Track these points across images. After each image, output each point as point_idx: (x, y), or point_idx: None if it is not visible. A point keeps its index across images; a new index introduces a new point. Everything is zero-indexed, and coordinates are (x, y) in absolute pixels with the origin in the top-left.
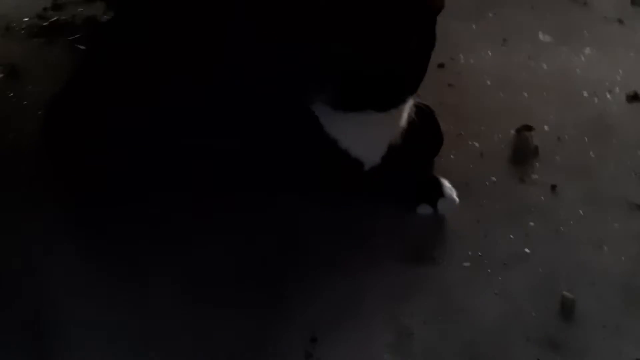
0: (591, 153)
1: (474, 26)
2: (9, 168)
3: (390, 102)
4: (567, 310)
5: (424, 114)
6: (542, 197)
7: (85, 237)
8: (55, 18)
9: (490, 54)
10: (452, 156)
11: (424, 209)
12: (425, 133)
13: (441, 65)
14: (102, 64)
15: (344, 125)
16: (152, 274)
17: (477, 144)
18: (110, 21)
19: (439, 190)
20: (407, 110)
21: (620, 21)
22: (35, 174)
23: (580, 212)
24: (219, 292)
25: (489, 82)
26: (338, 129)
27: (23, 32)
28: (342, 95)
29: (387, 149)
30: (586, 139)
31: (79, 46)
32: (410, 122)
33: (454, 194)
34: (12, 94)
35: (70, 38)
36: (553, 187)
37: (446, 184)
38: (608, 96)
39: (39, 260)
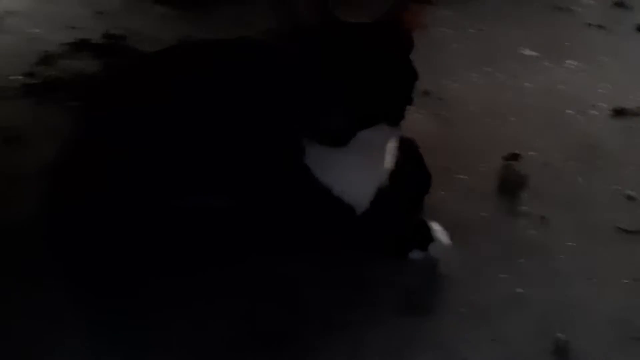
0: (579, 178)
1: (455, 45)
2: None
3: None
4: (561, 352)
5: (410, 151)
6: (533, 231)
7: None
8: (46, 74)
9: (474, 76)
10: (442, 192)
11: (416, 255)
12: (412, 174)
13: (426, 93)
14: (99, 128)
15: (335, 168)
16: (153, 344)
17: (465, 177)
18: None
19: (429, 235)
20: (392, 148)
21: (603, 27)
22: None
23: (570, 243)
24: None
25: (473, 109)
26: (330, 174)
27: (15, 92)
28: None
29: (376, 192)
30: (573, 163)
31: (72, 103)
32: (397, 164)
33: (445, 237)
34: (11, 160)
35: (63, 96)
36: (542, 218)
37: (436, 227)
38: (593, 112)
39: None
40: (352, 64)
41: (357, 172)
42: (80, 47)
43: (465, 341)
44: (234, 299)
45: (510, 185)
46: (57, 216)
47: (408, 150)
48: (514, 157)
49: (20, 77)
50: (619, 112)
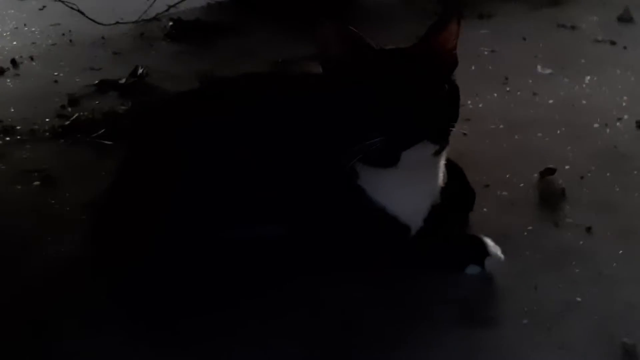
0: (616, 187)
1: (473, 67)
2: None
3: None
4: (629, 355)
5: (454, 171)
6: (580, 241)
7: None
8: (75, 115)
9: (495, 95)
10: (485, 209)
11: (473, 270)
12: (459, 190)
13: None
14: (138, 165)
15: (390, 188)
16: None
17: (505, 193)
18: (133, 117)
19: (484, 249)
20: (442, 166)
21: (612, 42)
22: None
23: (620, 251)
24: None
25: (501, 126)
26: (385, 194)
27: (47, 134)
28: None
29: (430, 209)
30: (608, 174)
31: (104, 142)
32: (446, 181)
33: (498, 251)
34: (52, 201)
35: (94, 135)
36: (588, 229)
37: (490, 242)
38: (618, 124)
39: None
40: (402, 85)
41: (410, 191)
42: (104, 87)
43: (531, 350)
44: (291, 321)
45: (551, 198)
46: (109, 255)
47: (451, 168)
48: (551, 171)
49: (48, 120)
50: None
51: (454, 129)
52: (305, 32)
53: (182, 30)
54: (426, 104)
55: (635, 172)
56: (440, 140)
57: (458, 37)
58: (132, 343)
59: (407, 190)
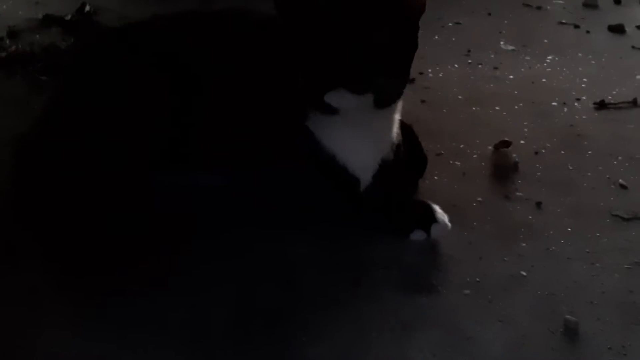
0: (569, 166)
1: (437, 37)
2: None
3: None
4: (571, 333)
5: (407, 133)
6: (529, 216)
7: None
8: (13, 47)
9: (457, 66)
10: (435, 177)
11: (418, 235)
12: (411, 152)
13: (411, 80)
14: (70, 103)
15: (337, 136)
16: (147, 331)
17: (458, 163)
18: (73, 52)
19: (431, 216)
20: (395, 122)
21: (576, 26)
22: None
23: (569, 229)
24: (219, 345)
25: (460, 97)
26: (333, 141)
27: None
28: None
29: (380, 165)
30: (562, 152)
31: (41, 77)
32: (398, 140)
33: (446, 218)
34: None
35: (31, 69)
36: (538, 204)
37: (438, 209)
38: (576, 105)
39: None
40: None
41: (358, 142)
42: (48, 22)
43: (470, 321)
44: (226, 272)
45: (504, 170)
46: (31, 191)
47: (405, 131)
48: (506, 144)
49: None
50: (602, 105)
51: (397, 86)
52: None
53: None
54: (353, 46)
55: (590, 152)
56: (362, 90)
57: None
58: (49, 288)
59: (355, 141)
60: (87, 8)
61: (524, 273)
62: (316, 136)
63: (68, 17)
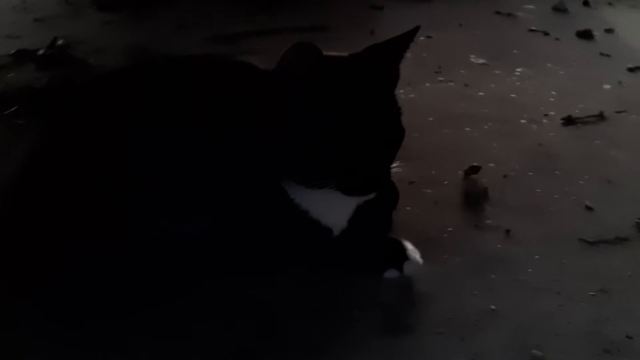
0: (538, 189)
1: (409, 54)
2: None
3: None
4: None
5: None
6: (498, 245)
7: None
8: None
9: (427, 85)
10: (408, 208)
11: (391, 274)
12: (384, 190)
13: None
14: (55, 151)
15: (314, 197)
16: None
17: (429, 191)
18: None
19: (403, 253)
20: None
21: (546, 33)
22: None
23: (536, 256)
24: None
25: (431, 119)
26: (309, 201)
27: None
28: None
29: (354, 210)
30: (530, 173)
31: (18, 121)
32: None
33: (417, 255)
34: None
35: (6, 112)
36: (507, 232)
37: (409, 246)
38: (545, 121)
39: None
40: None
41: (334, 201)
42: (21, 58)
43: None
44: (210, 322)
45: (474, 197)
46: (16, 241)
47: None
48: (474, 170)
49: None
50: (569, 121)
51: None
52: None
53: None
54: (387, 152)
55: (557, 172)
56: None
57: None
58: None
59: (330, 201)
60: (59, 42)
61: (493, 307)
62: (291, 196)
63: (41, 52)
